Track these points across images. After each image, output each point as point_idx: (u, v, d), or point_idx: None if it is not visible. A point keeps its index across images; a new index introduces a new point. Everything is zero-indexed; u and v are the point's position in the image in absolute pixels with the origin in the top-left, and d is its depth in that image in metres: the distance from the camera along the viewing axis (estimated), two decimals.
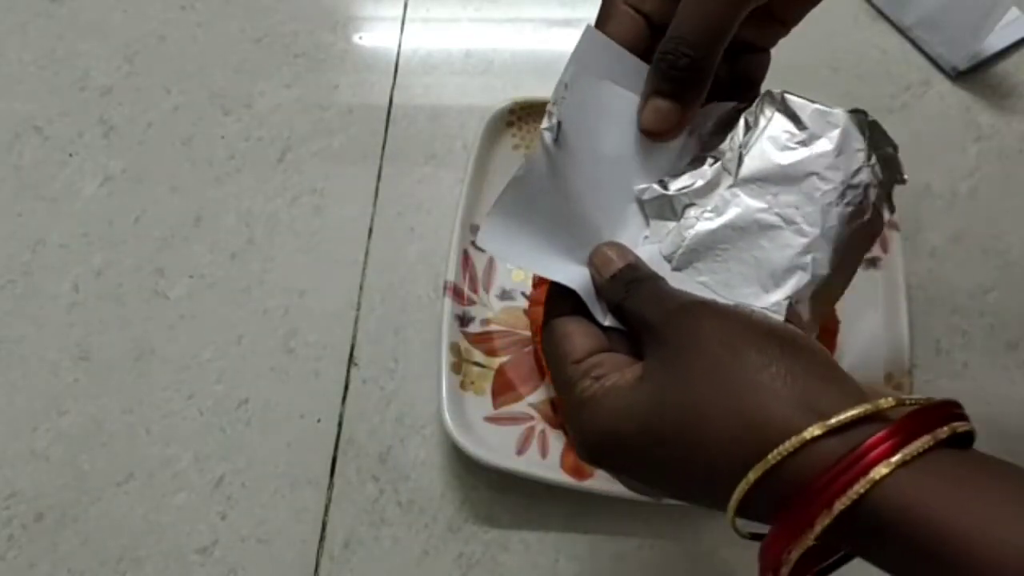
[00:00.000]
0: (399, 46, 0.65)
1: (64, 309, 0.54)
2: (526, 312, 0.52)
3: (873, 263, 0.52)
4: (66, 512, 0.48)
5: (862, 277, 0.52)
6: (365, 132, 0.60)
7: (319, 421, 0.50)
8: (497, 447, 0.47)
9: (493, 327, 0.52)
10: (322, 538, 0.47)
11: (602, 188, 0.37)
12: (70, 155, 0.60)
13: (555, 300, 0.34)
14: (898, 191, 0.56)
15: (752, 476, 0.26)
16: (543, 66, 0.63)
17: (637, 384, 0.29)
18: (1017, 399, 0.50)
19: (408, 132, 0.60)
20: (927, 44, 0.62)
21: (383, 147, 0.60)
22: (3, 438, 0.51)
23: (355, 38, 0.65)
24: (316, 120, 0.61)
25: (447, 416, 0.47)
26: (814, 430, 0.25)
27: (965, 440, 0.27)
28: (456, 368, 0.49)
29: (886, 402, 0.26)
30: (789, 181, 0.34)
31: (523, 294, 0.53)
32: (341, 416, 0.51)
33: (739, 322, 0.29)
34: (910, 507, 0.24)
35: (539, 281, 0.51)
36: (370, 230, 0.57)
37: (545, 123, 0.35)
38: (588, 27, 0.36)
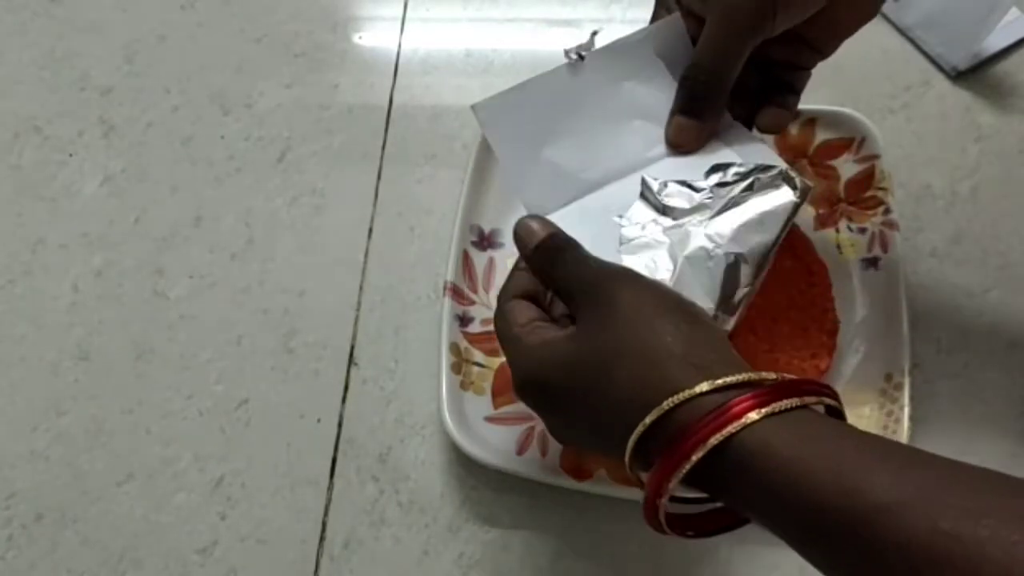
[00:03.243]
0: (399, 46, 0.65)
1: (64, 309, 0.54)
2: None
3: (873, 263, 0.52)
4: (66, 512, 0.48)
5: (862, 277, 0.52)
6: (365, 132, 0.60)
7: (319, 421, 0.50)
8: (497, 447, 0.47)
9: (493, 327, 0.52)
10: (322, 538, 0.47)
11: (607, 132, 0.44)
12: (70, 155, 0.60)
13: (507, 285, 0.40)
14: (898, 191, 0.56)
15: (649, 420, 0.31)
16: (543, 66, 0.63)
17: (566, 339, 0.35)
18: (1017, 399, 0.50)
19: (408, 132, 0.60)
20: (927, 44, 0.62)
21: (383, 147, 0.60)
22: (3, 438, 0.51)
23: (355, 38, 0.65)
24: (316, 120, 0.61)
25: (447, 416, 0.47)
26: (703, 386, 0.30)
27: (839, 418, 0.32)
28: (456, 368, 0.49)
29: (768, 375, 0.31)
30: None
31: None
32: (341, 416, 0.51)
33: (653, 292, 0.35)
34: (768, 445, 0.29)
35: None
36: (370, 230, 0.57)
37: (572, 47, 0.42)
38: (677, 15, 0.43)
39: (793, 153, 0.56)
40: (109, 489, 0.49)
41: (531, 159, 0.43)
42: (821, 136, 0.56)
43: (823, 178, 0.56)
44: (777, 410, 0.30)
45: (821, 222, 0.54)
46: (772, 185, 0.41)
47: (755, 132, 0.45)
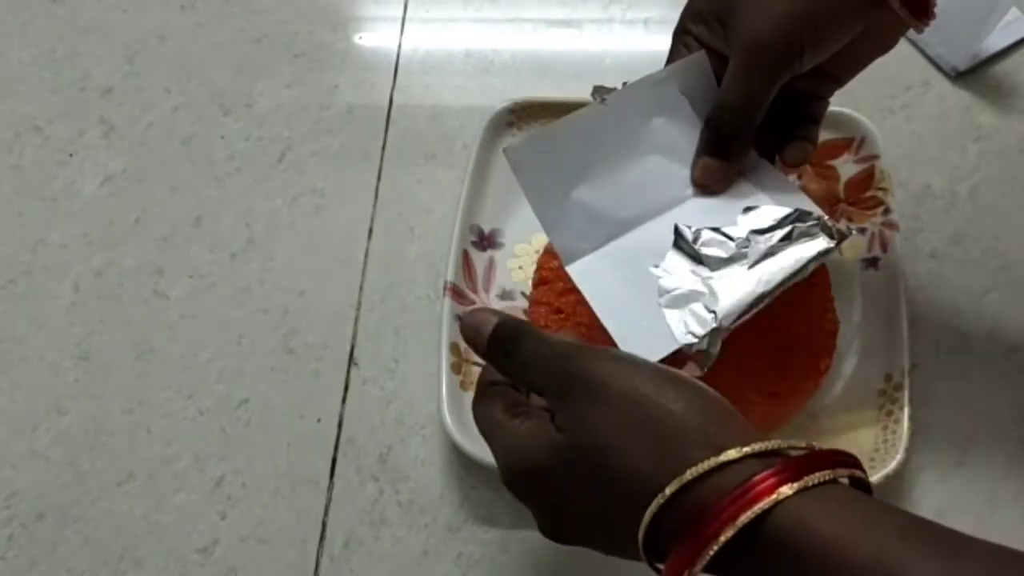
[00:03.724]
0: (399, 46, 0.65)
1: (64, 309, 0.54)
2: (526, 312, 0.52)
3: (873, 263, 0.52)
4: (66, 512, 0.48)
5: (862, 277, 0.52)
6: (365, 132, 0.60)
7: (319, 421, 0.51)
8: None
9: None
10: (322, 538, 0.47)
11: (635, 172, 0.44)
12: (70, 155, 0.60)
13: (481, 376, 0.37)
14: (898, 191, 0.56)
15: (669, 491, 0.28)
16: (543, 66, 0.63)
17: (550, 427, 0.32)
18: (1016, 400, 0.50)
19: (408, 132, 0.60)
20: (927, 44, 0.62)
21: (383, 147, 0.60)
22: (3, 438, 0.51)
23: (355, 38, 0.65)
24: (316, 120, 0.61)
25: (447, 416, 0.47)
26: (731, 453, 0.28)
27: (865, 490, 0.29)
28: (456, 368, 0.49)
29: (796, 444, 0.29)
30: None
31: (523, 294, 0.53)
32: (341, 416, 0.51)
33: (642, 365, 0.32)
34: (804, 524, 0.26)
35: (539, 281, 0.51)
36: (370, 230, 0.57)
37: (598, 94, 0.42)
38: (703, 53, 0.42)
39: None
40: (109, 489, 0.49)
41: (561, 202, 0.43)
42: (821, 136, 0.56)
43: (823, 178, 0.56)
44: (810, 484, 0.27)
45: None
46: (809, 234, 0.41)
47: (779, 165, 0.45)
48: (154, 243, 0.57)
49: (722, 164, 0.43)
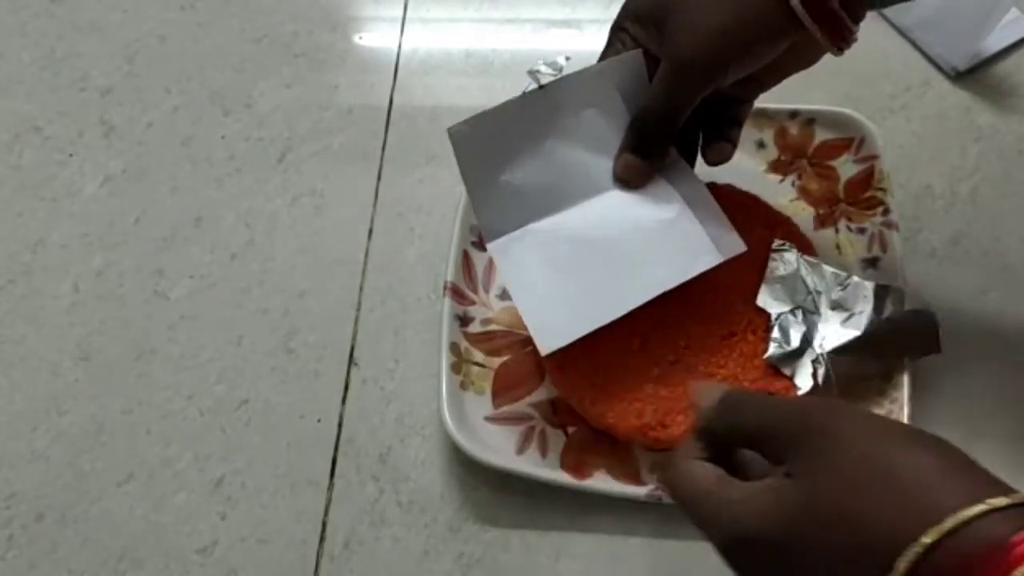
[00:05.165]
0: (399, 46, 0.65)
1: (64, 309, 0.54)
2: None
3: (873, 263, 0.52)
4: (66, 512, 0.48)
5: (862, 277, 0.52)
6: (365, 132, 0.60)
7: (319, 421, 0.50)
8: (497, 447, 0.47)
9: (493, 327, 0.52)
10: (322, 538, 0.47)
11: (562, 160, 0.46)
12: (70, 155, 0.60)
13: (679, 452, 0.35)
14: (898, 191, 0.56)
15: (927, 540, 0.26)
16: None
17: (779, 487, 0.30)
18: (1016, 400, 0.50)
19: (408, 132, 0.60)
20: (927, 44, 0.62)
21: (383, 147, 0.60)
22: (3, 438, 0.51)
23: (355, 38, 0.65)
24: (316, 120, 0.61)
25: (447, 416, 0.47)
26: (996, 502, 0.25)
27: None
28: (456, 368, 0.49)
29: None
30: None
31: None
32: (341, 416, 0.51)
33: (878, 417, 0.31)
34: None
35: None
36: (370, 230, 0.57)
37: (531, 81, 0.44)
38: (639, 52, 0.44)
39: (793, 153, 0.56)
40: (109, 489, 0.49)
41: (491, 183, 0.45)
42: (821, 136, 0.56)
43: (823, 178, 0.56)
44: None
45: (821, 222, 0.54)
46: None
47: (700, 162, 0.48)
48: (154, 243, 0.57)
49: (642, 162, 0.46)
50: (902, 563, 0.26)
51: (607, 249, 0.46)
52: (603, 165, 0.46)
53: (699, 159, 0.49)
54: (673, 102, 0.43)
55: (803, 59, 0.44)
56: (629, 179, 0.46)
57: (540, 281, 0.45)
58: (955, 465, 0.28)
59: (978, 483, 0.27)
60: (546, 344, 0.44)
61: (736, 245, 0.46)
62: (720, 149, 0.47)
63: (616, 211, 0.46)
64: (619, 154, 0.46)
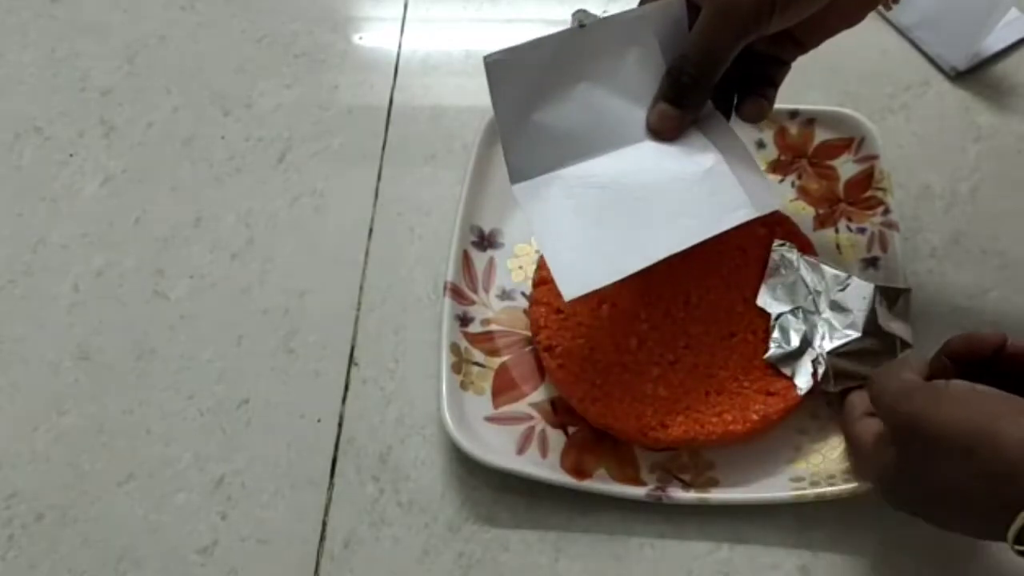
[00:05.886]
0: (399, 46, 0.65)
1: (64, 309, 0.54)
2: (526, 312, 0.52)
3: (873, 263, 0.52)
4: (66, 512, 0.48)
5: (862, 277, 0.52)
6: (365, 132, 0.60)
7: (319, 421, 0.51)
8: (497, 447, 0.47)
9: (493, 327, 0.52)
10: (322, 538, 0.47)
11: (595, 106, 0.44)
12: (70, 155, 0.60)
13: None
14: (898, 191, 0.56)
15: (1018, 524, 0.30)
16: None
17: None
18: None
19: (408, 132, 0.60)
20: (927, 44, 0.62)
21: (383, 147, 0.60)
22: (3, 438, 0.51)
23: (355, 38, 0.65)
24: (316, 120, 0.61)
25: (447, 416, 0.47)
26: None
27: None
28: (456, 368, 0.49)
29: None
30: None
31: (523, 294, 0.53)
32: (341, 416, 0.51)
33: (977, 392, 0.35)
34: None
35: (539, 281, 0.51)
36: (370, 230, 0.57)
37: (577, 18, 0.46)
38: None
39: (793, 153, 0.56)
40: (109, 489, 0.49)
41: (523, 121, 0.44)
42: (820, 136, 0.56)
43: (822, 178, 0.56)
44: None
45: (820, 222, 0.54)
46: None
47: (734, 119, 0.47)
48: (154, 243, 0.57)
49: (677, 113, 0.44)
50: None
51: (637, 198, 0.44)
52: (636, 115, 0.45)
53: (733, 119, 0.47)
54: (713, 49, 0.42)
55: (847, 16, 0.43)
56: (663, 129, 0.45)
57: (567, 226, 0.43)
58: None
59: None
60: (570, 290, 0.42)
61: (772, 201, 0.44)
62: (757, 104, 0.46)
63: (648, 161, 0.44)
64: (653, 104, 0.45)
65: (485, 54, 0.42)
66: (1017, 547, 0.31)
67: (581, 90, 0.44)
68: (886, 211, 0.53)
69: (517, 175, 0.44)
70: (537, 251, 0.53)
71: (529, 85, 0.43)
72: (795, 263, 0.49)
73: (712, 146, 0.45)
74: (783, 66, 0.46)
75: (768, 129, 0.57)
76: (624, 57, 0.44)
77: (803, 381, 0.47)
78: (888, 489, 0.37)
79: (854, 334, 0.47)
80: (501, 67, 0.42)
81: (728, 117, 0.47)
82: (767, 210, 0.44)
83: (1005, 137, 0.59)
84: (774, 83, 0.47)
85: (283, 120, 0.61)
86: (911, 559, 0.45)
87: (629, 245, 0.43)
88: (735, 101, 0.47)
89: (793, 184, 0.56)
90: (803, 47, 0.45)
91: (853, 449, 0.40)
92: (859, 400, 0.42)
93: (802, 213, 0.55)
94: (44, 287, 0.55)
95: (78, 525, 0.48)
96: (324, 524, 0.48)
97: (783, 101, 0.55)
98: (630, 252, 0.42)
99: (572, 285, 0.42)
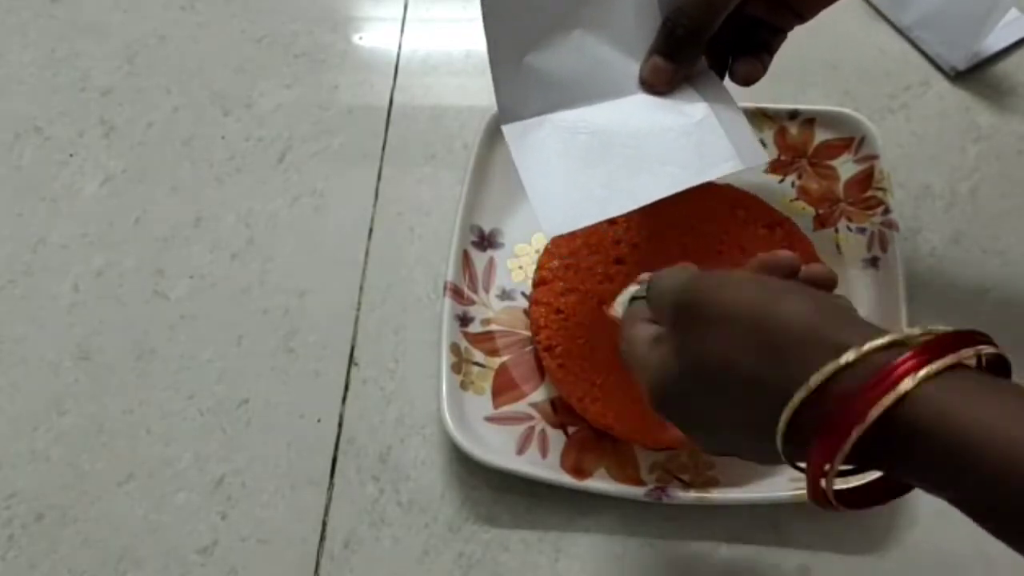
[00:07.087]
0: (399, 46, 0.65)
1: (64, 309, 0.54)
2: (526, 312, 0.52)
3: (873, 263, 0.52)
4: (66, 512, 0.48)
5: (861, 277, 0.52)
6: (365, 132, 0.60)
7: (319, 421, 0.51)
8: (497, 447, 0.47)
9: (493, 327, 0.52)
10: (322, 538, 0.47)
11: (589, 54, 0.44)
12: (70, 155, 0.60)
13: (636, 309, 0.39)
14: (898, 191, 0.56)
15: (796, 399, 0.28)
16: None
17: (674, 359, 0.33)
18: None
19: (408, 132, 0.60)
20: (926, 44, 0.62)
21: (383, 147, 0.60)
22: (3, 438, 0.51)
23: (355, 38, 0.65)
24: (316, 120, 0.61)
25: (447, 416, 0.47)
26: (849, 356, 0.28)
27: (1000, 367, 0.29)
28: (456, 368, 0.49)
29: (913, 331, 0.28)
30: None
31: (523, 294, 0.53)
32: (341, 416, 0.51)
33: (747, 281, 0.33)
34: (936, 415, 0.26)
35: (539, 281, 0.51)
36: (370, 230, 0.57)
37: None
38: None
39: (793, 153, 0.56)
40: (109, 489, 0.49)
41: (515, 61, 0.44)
42: (820, 136, 0.56)
43: (822, 178, 0.56)
44: (934, 372, 0.27)
45: (820, 222, 0.54)
46: None
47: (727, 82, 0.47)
48: (154, 243, 0.57)
49: (670, 66, 0.44)
50: (781, 423, 0.29)
51: (626, 145, 0.44)
52: (630, 68, 0.45)
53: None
54: (708, 4, 0.42)
55: None
56: (655, 83, 0.45)
57: (553, 166, 0.43)
58: (820, 318, 0.30)
59: (846, 332, 0.29)
60: (552, 227, 0.42)
61: (758, 155, 0.44)
62: (751, 64, 0.46)
63: (639, 113, 0.45)
64: (647, 57, 0.45)
65: None
66: (786, 449, 0.30)
67: (576, 37, 0.44)
68: (886, 211, 0.53)
69: (507, 115, 0.44)
70: (537, 251, 0.53)
71: (524, 26, 0.43)
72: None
73: (703, 100, 0.45)
74: (780, 34, 0.46)
75: (768, 129, 0.57)
76: (620, 7, 0.44)
77: None
78: (658, 389, 0.35)
79: None
80: (497, 3, 0.42)
81: (722, 78, 0.47)
82: (754, 163, 0.44)
83: (1005, 137, 0.59)
84: (770, 50, 0.46)
85: (283, 120, 0.61)
86: (911, 559, 0.45)
87: (615, 188, 0.43)
88: (730, 63, 0.47)
89: (793, 184, 0.56)
90: (800, 16, 0.45)
91: (626, 355, 0.38)
92: (638, 311, 0.39)
93: (802, 213, 0.55)
94: (44, 287, 0.55)
95: (78, 525, 0.48)
96: (324, 524, 0.48)
97: (783, 101, 0.55)
98: (616, 194, 0.43)
99: (554, 222, 0.42)
